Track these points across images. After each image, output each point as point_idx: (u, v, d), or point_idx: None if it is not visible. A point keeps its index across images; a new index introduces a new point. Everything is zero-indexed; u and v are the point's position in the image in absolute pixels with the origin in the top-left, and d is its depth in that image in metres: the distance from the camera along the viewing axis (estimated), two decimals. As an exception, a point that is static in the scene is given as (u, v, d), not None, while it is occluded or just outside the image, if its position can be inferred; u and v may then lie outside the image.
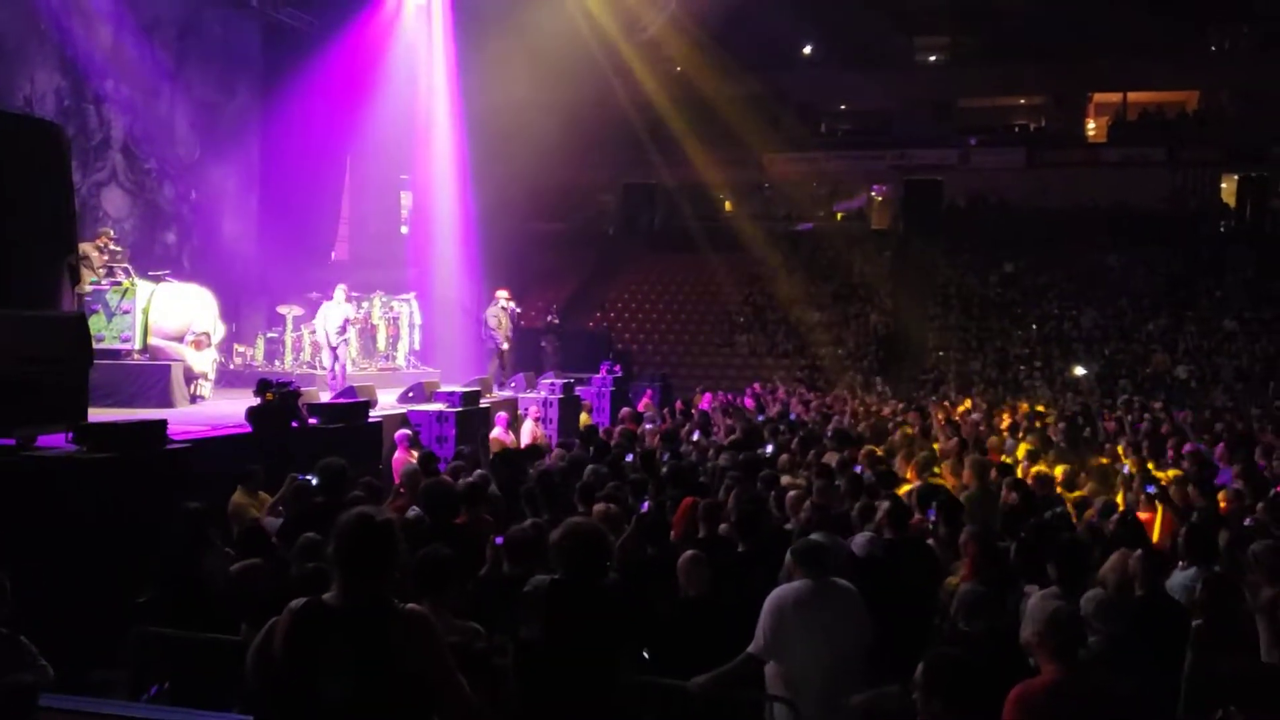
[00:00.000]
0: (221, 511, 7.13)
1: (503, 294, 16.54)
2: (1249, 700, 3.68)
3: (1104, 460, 10.25)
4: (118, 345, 12.18)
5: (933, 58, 33.26)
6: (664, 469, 8.30)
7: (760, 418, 14.21)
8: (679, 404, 16.81)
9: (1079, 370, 22.81)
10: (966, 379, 22.76)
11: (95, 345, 8.50)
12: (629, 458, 9.02)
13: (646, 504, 6.76)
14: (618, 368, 19.15)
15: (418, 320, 18.33)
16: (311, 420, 9.82)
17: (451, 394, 12.55)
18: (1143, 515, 7.13)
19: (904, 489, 7.89)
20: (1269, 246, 26.18)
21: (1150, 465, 9.28)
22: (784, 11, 27.39)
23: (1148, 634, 4.45)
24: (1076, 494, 8.43)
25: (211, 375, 13.12)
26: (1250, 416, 16.34)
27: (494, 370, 16.17)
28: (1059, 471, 9.08)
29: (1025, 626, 3.60)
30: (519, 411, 13.91)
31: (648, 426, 12.93)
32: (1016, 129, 33.04)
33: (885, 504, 6.37)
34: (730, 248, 28.32)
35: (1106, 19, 27.06)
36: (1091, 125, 32.66)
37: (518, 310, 17.12)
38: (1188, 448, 10.70)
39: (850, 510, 6.74)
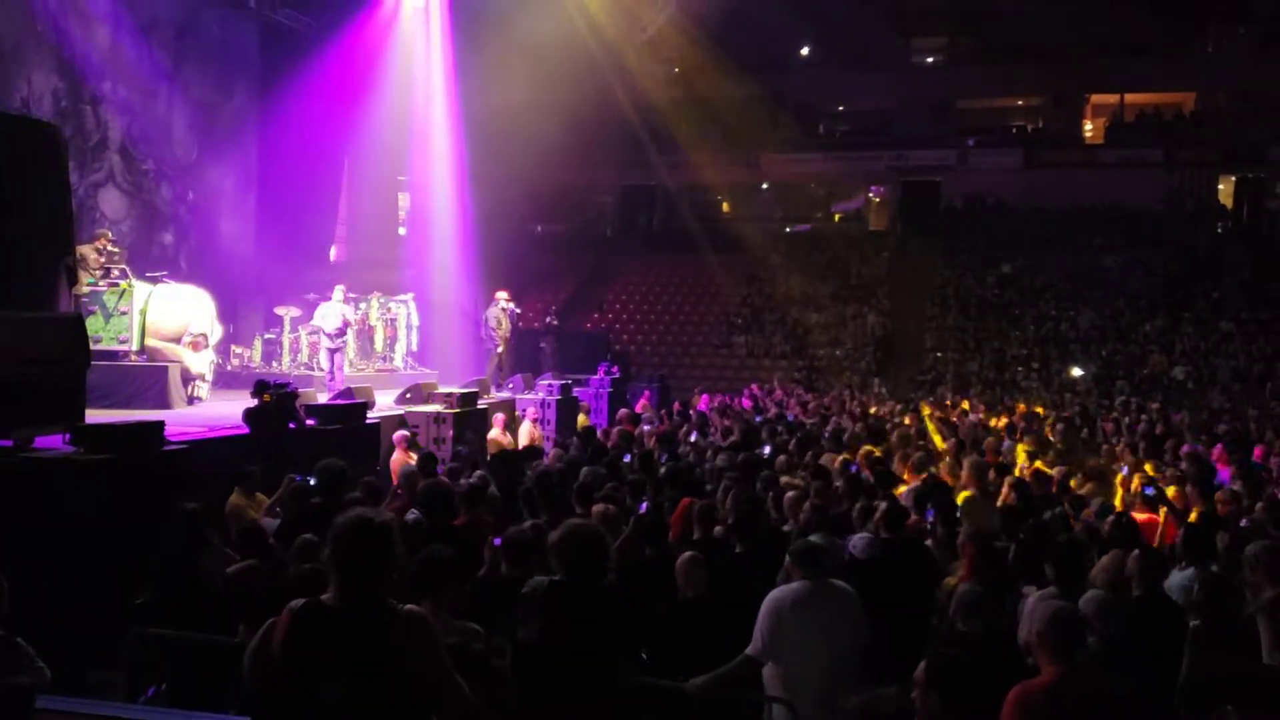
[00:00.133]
0: (219, 512, 7.12)
1: (503, 295, 16.52)
2: (1246, 701, 3.68)
3: (1102, 461, 10.27)
4: (115, 346, 12.13)
5: (930, 59, 33.30)
6: (662, 470, 8.30)
7: (758, 419, 14.21)
8: (677, 405, 16.84)
9: (1076, 371, 22.82)
10: (964, 379, 22.77)
11: (93, 346, 8.47)
12: (627, 459, 9.03)
13: (644, 505, 6.75)
14: (615, 369, 19.17)
15: (415, 321, 18.32)
16: (309, 421, 9.82)
17: (449, 395, 12.55)
18: (1139, 516, 7.13)
19: (900, 489, 7.89)
20: (1266, 247, 26.24)
21: (1148, 466, 9.28)
22: (782, 12, 27.37)
23: (1145, 635, 4.46)
24: (1075, 492, 8.44)
25: (209, 376, 13.09)
26: (1247, 417, 16.36)
27: (492, 371, 16.17)
28: (1056, 472, 9.09)
29: (1024, 627, 3.60)
30: (517, 412, 13.90)
31: (645, 427, 12.94)
32: (1014, 130, 33.10)
33: (883, 505, 6.37)
34: (728, 249, 28.33)
35: (1104, 20, 27.10)
36: (1089, 126, 32.71)
37: (517, 311, 17.11)
38: (1185, 449, 10.72)
39: (849, 511, 6.74)
